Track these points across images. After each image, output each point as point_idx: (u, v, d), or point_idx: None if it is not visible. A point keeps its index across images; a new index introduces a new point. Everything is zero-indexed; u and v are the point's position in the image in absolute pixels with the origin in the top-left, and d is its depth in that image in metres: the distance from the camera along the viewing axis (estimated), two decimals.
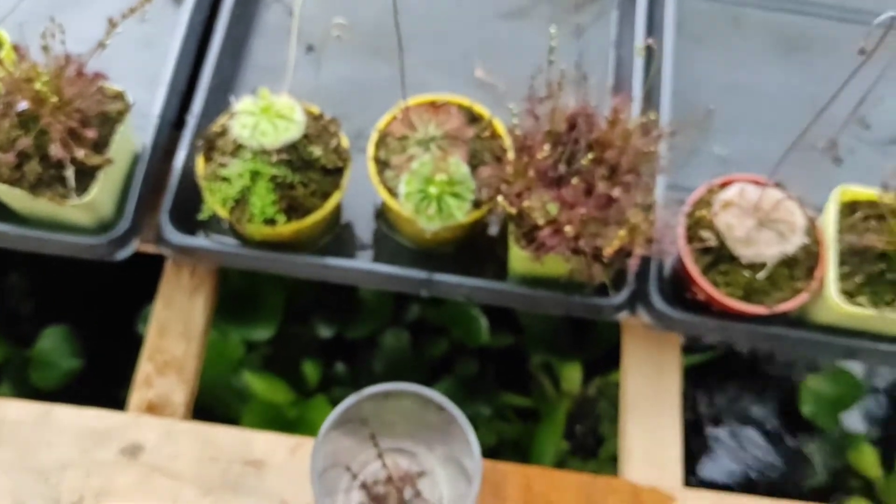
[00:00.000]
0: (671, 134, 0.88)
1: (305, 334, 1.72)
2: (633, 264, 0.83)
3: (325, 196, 0.89)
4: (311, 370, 1.68)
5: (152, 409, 0.94)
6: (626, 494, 0.91)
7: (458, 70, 1.12)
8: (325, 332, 1.71)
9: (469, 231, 0.97)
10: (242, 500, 0.86)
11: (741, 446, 1.78)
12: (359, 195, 0.99)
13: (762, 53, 1.16)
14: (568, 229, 0.79)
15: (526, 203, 0.81)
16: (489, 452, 1.73)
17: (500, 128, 0.94)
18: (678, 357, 1.02)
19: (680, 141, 1.07)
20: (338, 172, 0.90)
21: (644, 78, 1.05)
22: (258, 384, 1.60)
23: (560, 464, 1.62)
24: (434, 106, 0.93)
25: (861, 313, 0.86)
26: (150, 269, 1.07)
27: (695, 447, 1.77)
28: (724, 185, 0.92)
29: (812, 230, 0.91)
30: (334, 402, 1.60)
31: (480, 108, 0.95)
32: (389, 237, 1.01)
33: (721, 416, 1.80)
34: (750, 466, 1.77)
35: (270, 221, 0.87)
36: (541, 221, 0.82)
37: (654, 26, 1.11)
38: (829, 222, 0.90)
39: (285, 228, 0.87)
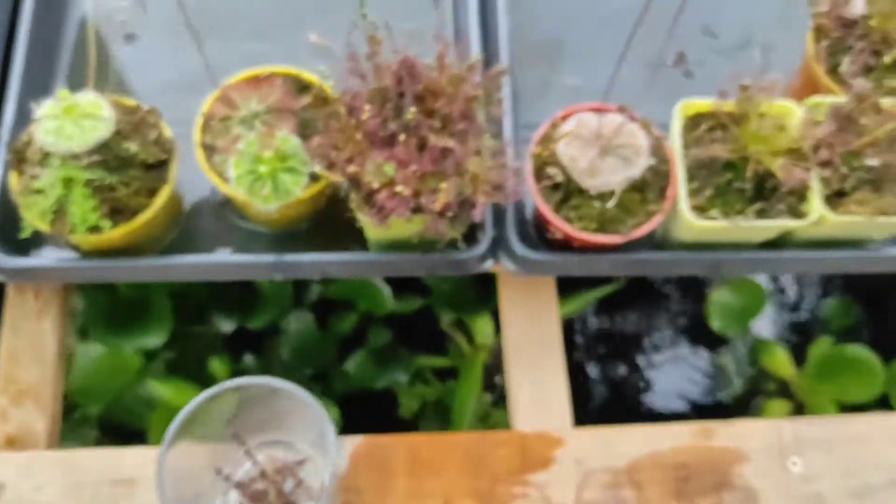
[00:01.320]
0: (501, 73, 0.85)
1: (207, 332, 1.67)
2: (477, 214, 0.80)
3: (153, 193, 0.84)
4: (218, 367, 1.63)
5: (12, 443, 0.88)
6: (514, 445, 0.89)
7: (293, 37, 1.06)
8: (226, 326, 1.66)
9: (318, 204, 0.93)
10: None
11: (660, 370, 1.81)
12: (202, 184, 0.93)
13: None
14: (400, 189, 0.76)
15: (352, 169, 0.77)
16: (414, 418, 1.72)
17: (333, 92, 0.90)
18: (554, 298, 1.01)
19: (529, 76, 1.05)
20: (163, 166, 0.85)
21: (479, 14, 1.02)
22: (165, 390, 1.55)
23: (484, 416, 1.62)
24: (256, 80, 0.88)
25: (715, 226, 0.85)
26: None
27: (622, 380, 1.79)
28: (566, 117, 0.89)
29: (660, 149, 0.89)
30: None
31: (309, 75, 0.91)
32: (239, 223, 0.96)
33: (636, 345, 1.82)
34: (674, 388, 1.80)
35: (95, 229, 0.81)
36: (376, 185, 0.78)
37: None
38: (675, 138, 0.89)
39: (114, 234, 0.82)
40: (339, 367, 1.69)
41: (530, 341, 0.98)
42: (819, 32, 0.94)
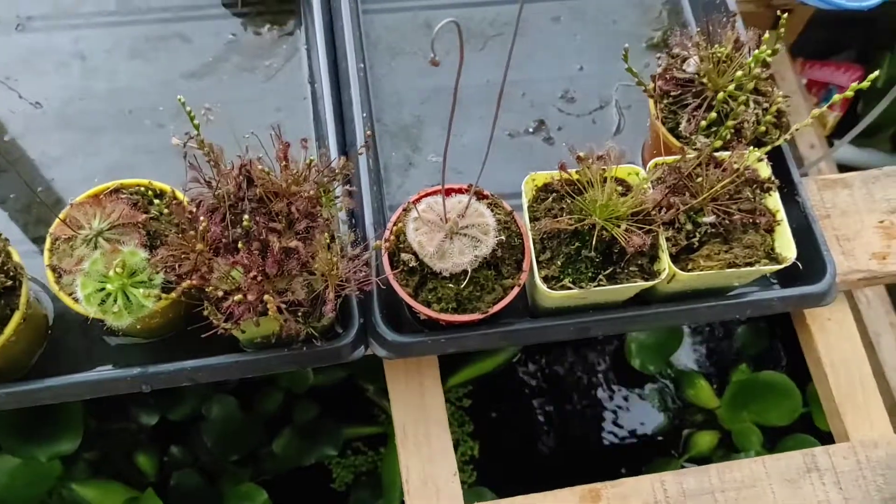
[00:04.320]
0: (345, 167, 0.86)
1: (129, 427, 1.65)
2: (328, 310, 0.81)
3: (2, 321, 0.83)
4: (144, 462, 1.61)
5: None
6: None
7: (159, 143, 1.07)
8: (148, 419, 1.64)
9: (181, 310, 0.92)
10: None
11: (587, 412, 1.82)
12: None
13: (458, 52, 1.16)
14: (238, 297, 0.76)
15: (190, 281, 0.77)
16: (347, 490, 1.70)
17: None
18: (437, 375, 1.02)
19: (393, 158, 1.07)
20: (10, 292, 0.84)
21: (333, 107, 1.03)
22: (89, 493, 1.52)
23: None
24: (102, 196, 0.88)
25: (570, 294, 0.87)
26: None
27: (550, 426, 1.79)
28: (417, 201, 0.91)
29: (513, 224, 0.91)
30: (175, 489, 1.53)
31: (160, 184, 0.91)
32: (107, 336, 0.95)
33: (561, 389, 1.83)
34: (602, 429, 1.81)
35: None
36: (220, 292, 0.78)
37: (340, 52, 1.09)
38: (524, 212, 0.90)
39: None
40: (267, 448, 1.67)
41: (416, 421, 0.98)
42: (658, 93, 0.97)
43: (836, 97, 0.84)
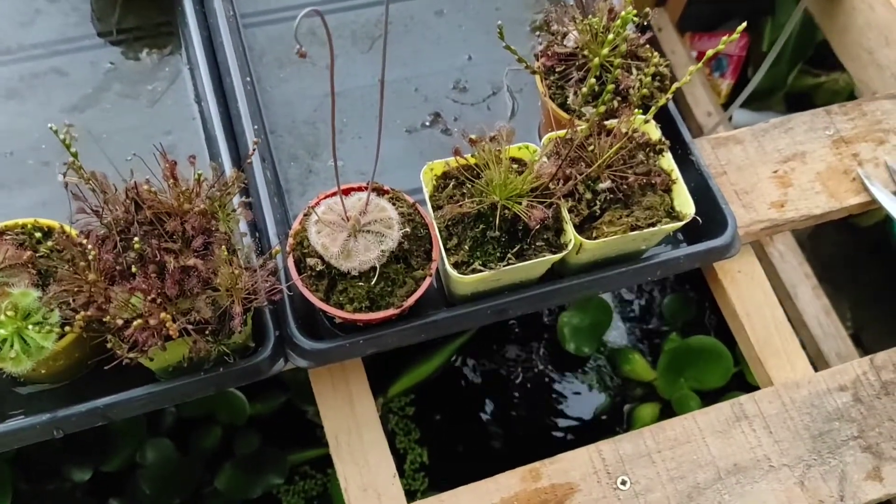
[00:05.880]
0: (236, 180, 0.85)
1: (64, 486, 1.58)
2: (236, 324, 0.78)
3: None
4: None
5: None
6: None
7: (45, 181, 1.03)
8: (80, 475, 1.58)
9: (87, 347, 0.89)
10: None
11: (529, 402, 1.82)
12: None
13: (347, 55, 1.16)
14: (138, 324, 0.73)
15: (86, 313, 0.74)
16: None
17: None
18: (364, 380, 1.00)
19: (292, 169, 1.05)
20: None
21: (223, 123, 1.02)
22: None
23: None
24: None
25: (481, 277, 0.87)
26: None
27: (495, 421, 1.79)
28: (316, 206, 0.89)
29: (417, 215, 0.90)
30: None
31: (47, 221, 0.88)
32: (14, 387, 0.91)
33: (500, 385, 1.83)
34: (549, 416, 1.82)
35: None
36: (120, 321, 0.76)
37: (223, 68, 1.08)
38: (427, 202, 0.90)
39: None
40: (210, 487, 1.63)
41: (349, 430, 0.97)
42: (542, 70, 0.98)
43: (705, 58, 0.86)
